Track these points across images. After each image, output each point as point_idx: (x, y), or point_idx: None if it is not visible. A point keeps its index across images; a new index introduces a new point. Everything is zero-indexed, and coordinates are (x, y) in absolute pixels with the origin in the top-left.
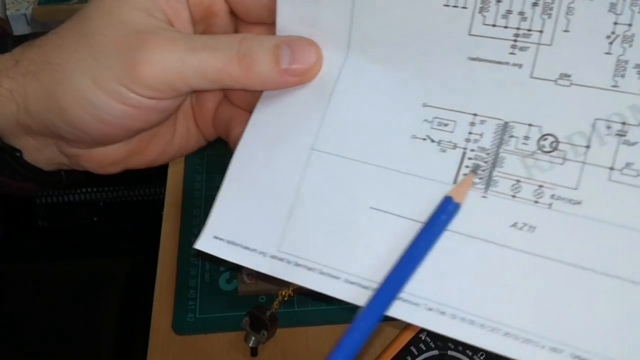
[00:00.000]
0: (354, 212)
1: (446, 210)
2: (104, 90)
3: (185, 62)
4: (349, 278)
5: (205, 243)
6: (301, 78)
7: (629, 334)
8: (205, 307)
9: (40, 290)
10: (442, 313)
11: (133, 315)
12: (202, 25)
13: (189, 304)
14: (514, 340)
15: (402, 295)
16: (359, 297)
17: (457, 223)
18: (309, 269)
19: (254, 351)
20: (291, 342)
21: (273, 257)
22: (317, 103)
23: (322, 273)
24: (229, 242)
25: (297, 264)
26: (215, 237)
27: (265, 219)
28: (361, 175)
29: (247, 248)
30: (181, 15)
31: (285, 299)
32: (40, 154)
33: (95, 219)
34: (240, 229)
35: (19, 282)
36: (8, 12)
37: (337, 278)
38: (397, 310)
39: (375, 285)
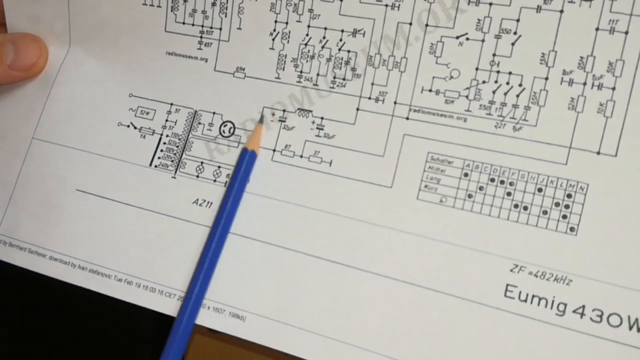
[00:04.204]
0: (61, 195)
1: (245, 159)
2: None
3: None
4: (53, 255)
5: None
6: (26, 73)
7: (279, 293)
8: None
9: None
10: (130, 283)
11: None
12: None
13: None
14: (178, 300)
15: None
16: (63, 273)
17: (143, 200)
18: (20, 248)
19: None
20: None
21: None
22: (40, 95)
23: (30, 252)
24: None
25: (10, 245)
26: None
27: None
28: (70, 160)
29: None
30: None
31: None
32: None
33: None
34: None
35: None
36: None
37: (43, 256)
38: (92, 282)
39: (72, 261)
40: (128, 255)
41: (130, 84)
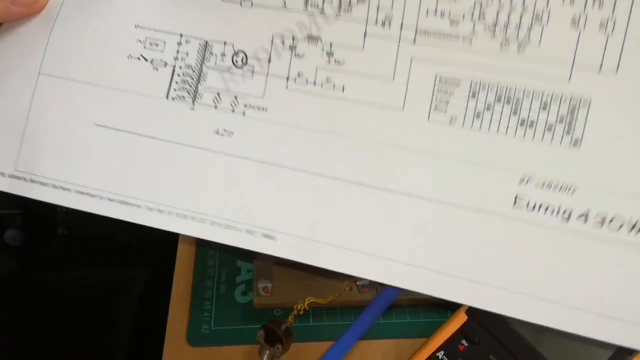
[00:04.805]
0: (80, 130)
1: None
2: None
3: None
4: (79, 189)
5: None
6: (29, 8)
7: (305, 213)
8: (220, 319)
9: (56, 299)
10: (161, 211)
11: (148, 325)
12: None
13: (204, 315)
14: (219, 227)
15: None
16: (92, 205)
17: (165, 132)
18: (43, 184)
19: None
20: (305, 357)
21: (12, 176)
22: (43, 30)
23: (55, 187)
24: None
25: (32, 181)
26: None
27: (2, 143)
28: (84, 95)
29: None
30: None
31: (301, 312)
32: None
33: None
34: None
35: (37, 290)
36: None
37: (69, 190)
38: (122, 212)
39: (99, 193)
40: (157, 185)
41: (134, 15)
